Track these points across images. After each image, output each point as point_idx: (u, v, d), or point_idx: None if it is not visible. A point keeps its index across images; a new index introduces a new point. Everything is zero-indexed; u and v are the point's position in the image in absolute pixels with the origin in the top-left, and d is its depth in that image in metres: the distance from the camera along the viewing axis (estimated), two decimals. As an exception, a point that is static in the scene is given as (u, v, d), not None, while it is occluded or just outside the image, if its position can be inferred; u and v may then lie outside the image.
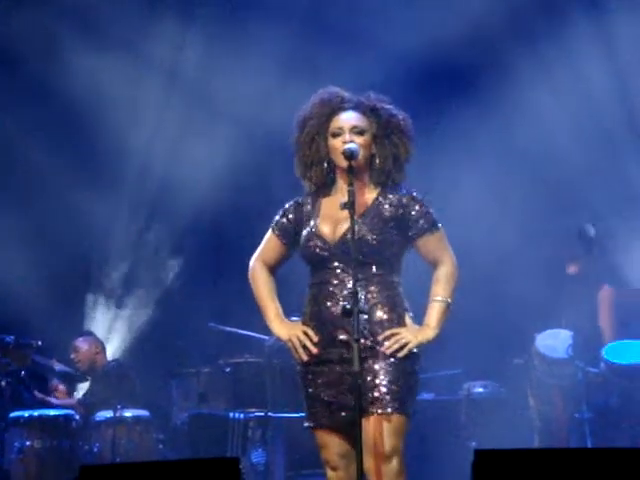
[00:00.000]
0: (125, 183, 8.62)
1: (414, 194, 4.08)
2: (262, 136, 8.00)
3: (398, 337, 3.93)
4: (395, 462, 3.86)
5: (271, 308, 4.14)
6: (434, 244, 4.07)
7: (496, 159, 7.81)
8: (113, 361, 7.93)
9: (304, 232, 4.08)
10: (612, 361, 6.36)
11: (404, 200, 4.05)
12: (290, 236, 4.14)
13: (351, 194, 3.86)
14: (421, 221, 4.04)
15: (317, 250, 4.02)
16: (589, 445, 6.18)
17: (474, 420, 7.08)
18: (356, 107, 4.09)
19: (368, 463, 3.81)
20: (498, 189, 7.79)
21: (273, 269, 4.21)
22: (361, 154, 4.02)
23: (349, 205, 3.85)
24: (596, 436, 6.25)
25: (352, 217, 3.85)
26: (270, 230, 4.20)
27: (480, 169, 7.75)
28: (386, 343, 3.92)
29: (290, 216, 4.16)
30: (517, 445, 6.47)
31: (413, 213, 4.04)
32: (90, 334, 8.10)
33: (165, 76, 8.49)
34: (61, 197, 8.32)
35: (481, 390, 7.31)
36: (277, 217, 4.19)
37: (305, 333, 3.99)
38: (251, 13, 8.29)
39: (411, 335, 3.95)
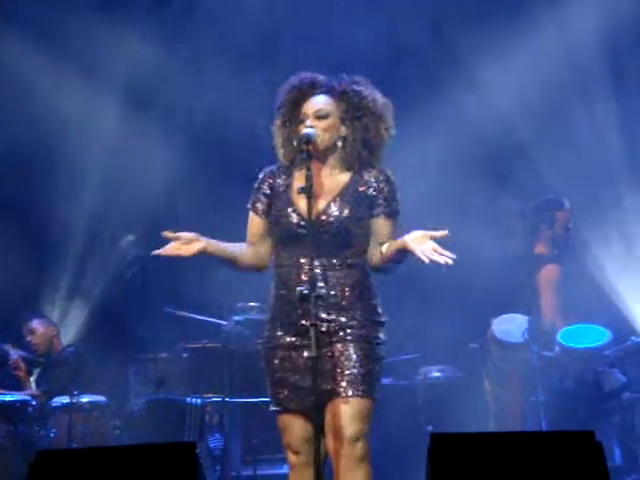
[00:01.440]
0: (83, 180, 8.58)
1: (388, 174, 4.09)
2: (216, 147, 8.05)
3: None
4: (361, 445, 3.88)
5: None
6: (390, 229, 4.07)
7: (450, 138, 7.84)
8: (70, 346, 7.87)
9: (279, 204, 4.07)
10: (567, 345, 6.41)
11: (376, 177, 4.06)
12: (268, 209, 4.12)
13: (308, 178, 3.87)
14: (387, 203, 4.06)
15: (292, 226, 4.01)
16: (544, 428, 6.23)
17: (431, 404, 7.12)
18: (327, 91, 4.10)
19: (334, 446, 3.84)
20: (452, 171, 7.82)
21: (266, 249, 4.14)
22: (322, 137, 4.02)
23: (306, 190, 3.86)
24: (551, 419, 6.31)
25: (309, 201, 3.86)
26: (250, 210, 4.17)
27: (436, 151, 7.78)
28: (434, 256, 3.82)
29: (263, 187, 4.15)
30: (473, 429, 6.52)
31: (383, 193, 4.05)
32: (44, 316, 8.02)
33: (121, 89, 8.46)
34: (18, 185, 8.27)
35: (438, 374, 7.35)
36: (253, 194, 4.17)
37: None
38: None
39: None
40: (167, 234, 4.05)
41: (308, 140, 3.96)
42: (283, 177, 4.14)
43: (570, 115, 7.89)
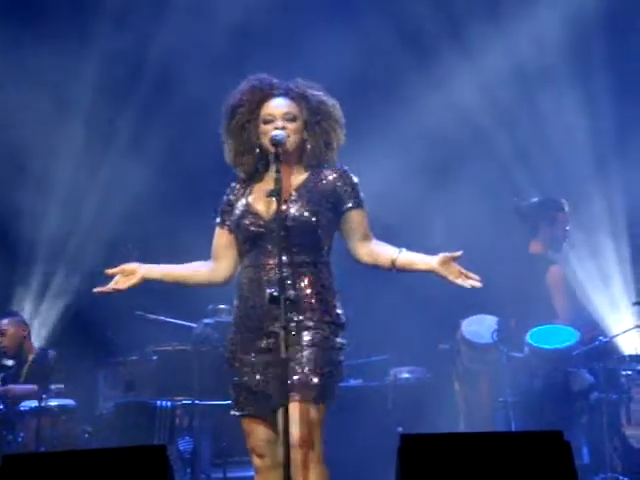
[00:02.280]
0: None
1: (345, 169, 4.11)
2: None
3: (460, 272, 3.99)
4: (312, 450, 3.84)
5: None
6: (362, 219, 4.10)
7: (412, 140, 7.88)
8: (42, 350, 7.78)
9: (237, 211, 4.07)
10: (536, 345, 6.44)
11: (336, 175, 4.08)
12: (230, 220, 4.12)
13: (277, 181, 3.87)
14: (352, 196, 4.08)
15: (252, 227, 4.01)
16: (513, 429, 6.25)
17: (401, 405, 7.13)
18: (286, 93, 4.10)
19: (290, 451, 3.81)
20: (421, 170, 7.85)
21: (228, 263, 4.14)
22: (292, 140, 4.03)
23: (276, 192, 3.86)
24: (520, 420, 6.33)
25: (279, 203, 3.86)
26: (216, 227, 4.17)
27: (403, 152, 7.81)
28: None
29: (225, 203, 4.15)
30: (443, 429, 6.55)
31: (344, 188, 4.07)
32: (15, 314, 7.90)
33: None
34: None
35: (407, 376, 7.37)
36: (219, 212, 4.17)
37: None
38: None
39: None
40: (108, 272, 4.13)
41: (278, 142, 3.96)
42: (243, 186, 4.14)
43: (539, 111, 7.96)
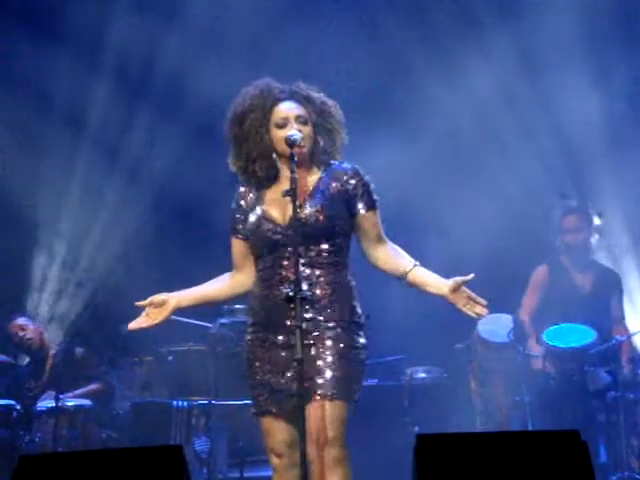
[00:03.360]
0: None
1: (358, 170, 4.11)
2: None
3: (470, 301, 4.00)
4: (336, 450, 3.84)
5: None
6: (375, 221, 4.10)
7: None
8: (63, 344, 7.75)
9: (251, 219, 4.06)
10: (552, 344, 6.42)
11: (348, 175, 4.08)
12: (244, 228, 4.12)
13: (293, 181, 3.86)
14: (365, 197, 4.08)
15: (269, 234, 4.00)
16: (530, 428, 6.24)
17: (417, 405, 7.12)
18: (291, 96, 4.10)
19: (309, 450, 3.81)
20: (437, 169, 7.83)
21: (251, 271, 4.12)
22: (306, 143, 4.02)
23: (291, 192, 3.85)
24: (537, 419, 6.32)
25: (294, 203, 3.85)
26: (230, 236, 4.17)
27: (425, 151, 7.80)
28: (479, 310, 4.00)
29: (237, 211, 4.14)
30: (459, 429, 6.55)
31: (357, 189, 4.07)
32: (27, 315, 7.94)
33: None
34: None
35: (423, 375, 7.35)
36: (231, 221, 4.16)
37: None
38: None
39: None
40: (139, 304, 4.12)
41: (294, 143, 3.94)
42: (254, 192, 4.13)
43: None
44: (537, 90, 7.94)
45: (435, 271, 4.09)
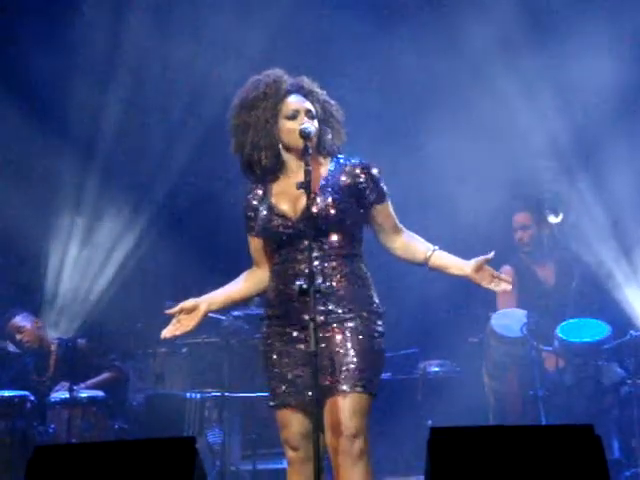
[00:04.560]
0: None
1: (367, 164, 4.11)
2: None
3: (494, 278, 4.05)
4: (360, 441, 3.85)
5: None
6: (388, 212, 4.12)
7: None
8: (63, 340, 7.75)
9: (262, 214, 4.07)
10: (566, 339, 6.41)
11: (358, 169, 4.08)
12: (258, 225, 4.13)
13: (307, 174, 3.86)
14: (376, 190, 4.08)
15: (280, 228, 4.01)
16: (543, 422, 6.23)
17: (430, 399, 7.11)
18: (298, 90, 4.10)
19: (333, 442, 3.82)
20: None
21: (271, 264, 4.14)
22: (315, 135, 4.03)
23: (306, 184, 3.85)
24: (550, 413, 6.31)
25: (308, 196, 3.86)
26: (247, 234, 4.19)
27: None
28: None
29: (248, 209, 4.15)
30: (472, 423, 6.53)
31: (367, 182, 4.07)
32: (23, 311, 7.90)
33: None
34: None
35: (437, 369, 7.35)
36: (244, 220, 4.17)
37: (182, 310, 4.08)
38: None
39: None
40: (169, 312, 4.14)
41: (308, 135, 3.95)
42: (261, 188, 4.13)
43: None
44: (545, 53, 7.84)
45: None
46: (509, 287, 4.07)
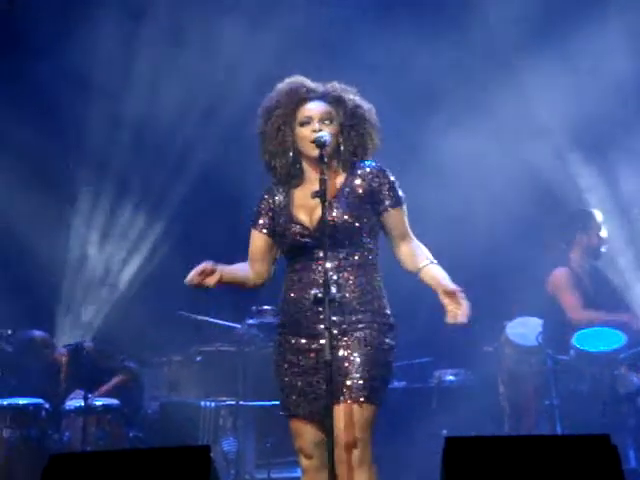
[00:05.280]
0: None
1: (383, 168, 4.10)
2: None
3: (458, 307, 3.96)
4: (359, 451, 3.84)
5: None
6: (400, 218, 4.10)
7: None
8: (72, 347, 7.74)
9: (280, 219, 4.07)
10: (582, 348, 6.39)
11: (373, 173, 4.07)
12: (270, 225, 4.12)
13: (322, 183, 3.86)
14: (390, 194, 4.07)
15: (297, 237, 4.01)
16: (559, 432, 6.21)
17: (445, 408, 7.10)
18: (322, 97, 4.10)
19: (336, 451, 3.79)
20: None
21: (265, 267, 4.14)
22: (331, 143, 4.02)
23: (321, 193, 3.85)
24: (566, 423, 6.29)
25: (323, 205, 3.85)
26: (251, 228, 4.17)
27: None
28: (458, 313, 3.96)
29: (263, 206, 4.15)
30: (488, 432, 6.52)
31: (383, 186, 4.06)
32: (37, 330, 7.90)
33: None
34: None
35: (452, 378, 7.34)
36: (255, 213, 4.17)
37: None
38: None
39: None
40: (188, 279, 4.00)
41: (323, 144, 3.94)
42: (282, 193, 4.13)
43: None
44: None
45: None
46: (460, 320, 4.00)
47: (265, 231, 4.13)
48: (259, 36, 8.08)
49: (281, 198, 4.13)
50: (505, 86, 7.76)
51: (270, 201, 4.14)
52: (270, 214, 4.13)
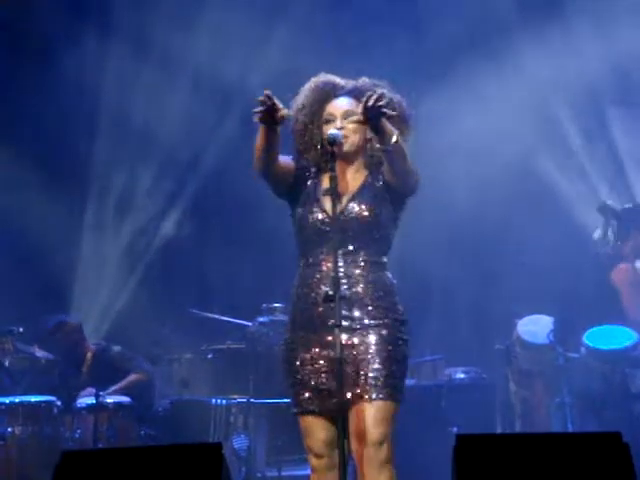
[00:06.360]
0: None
1: None
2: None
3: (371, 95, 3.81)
4: (384, 449, 3.84)
5: None
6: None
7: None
8: (101, 346, 7.77)
9: (306, 202, 4.06)
10: (593, 346, 6.38)
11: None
12: (288, 169, 4.07)
13: (332, 180, 3.85)
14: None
15: (318, 223, 4.00)
16: (570, 429, 6.20)
17: (455, 405, 7.09)
18: (350, 92, 4.10)
19: (358, 450, 3.80)
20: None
21: (274, 167, 4.03)
22: (351, 140, 4.02)
23: (331, 191, 3.85)
24: (577, 421, 6.28)
25: (334, 203, 3.85)
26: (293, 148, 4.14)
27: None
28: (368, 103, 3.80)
29: (306, 166, 4.11)
30: (498, 430, 6.52)
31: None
32: (67, 315, 7.95)
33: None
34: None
35: (462, 376, 7.33)
36: (297, 148, 4.13)
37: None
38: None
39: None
40: (262, 97, 3.85)
41: (334, 141, 3.93)
42: (313, 175, 4.12)
43: None
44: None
45: None
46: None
47: (294, 164, 4.10)
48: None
49: (311, 179, 4.11)
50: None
51: (309, 167, 4.11)
52: (302, 173, 4.09)
